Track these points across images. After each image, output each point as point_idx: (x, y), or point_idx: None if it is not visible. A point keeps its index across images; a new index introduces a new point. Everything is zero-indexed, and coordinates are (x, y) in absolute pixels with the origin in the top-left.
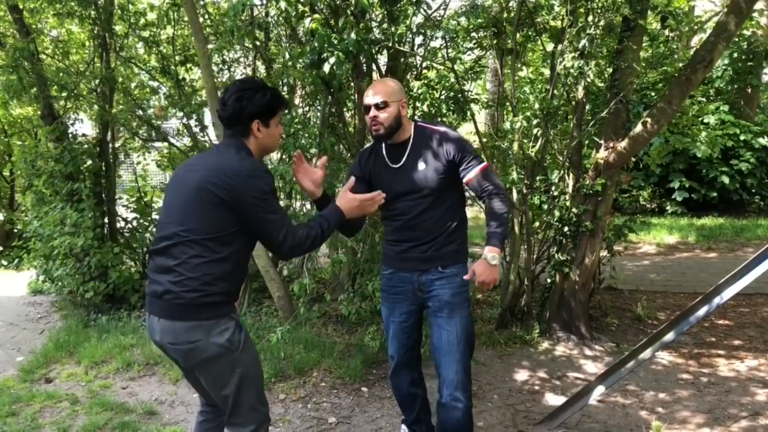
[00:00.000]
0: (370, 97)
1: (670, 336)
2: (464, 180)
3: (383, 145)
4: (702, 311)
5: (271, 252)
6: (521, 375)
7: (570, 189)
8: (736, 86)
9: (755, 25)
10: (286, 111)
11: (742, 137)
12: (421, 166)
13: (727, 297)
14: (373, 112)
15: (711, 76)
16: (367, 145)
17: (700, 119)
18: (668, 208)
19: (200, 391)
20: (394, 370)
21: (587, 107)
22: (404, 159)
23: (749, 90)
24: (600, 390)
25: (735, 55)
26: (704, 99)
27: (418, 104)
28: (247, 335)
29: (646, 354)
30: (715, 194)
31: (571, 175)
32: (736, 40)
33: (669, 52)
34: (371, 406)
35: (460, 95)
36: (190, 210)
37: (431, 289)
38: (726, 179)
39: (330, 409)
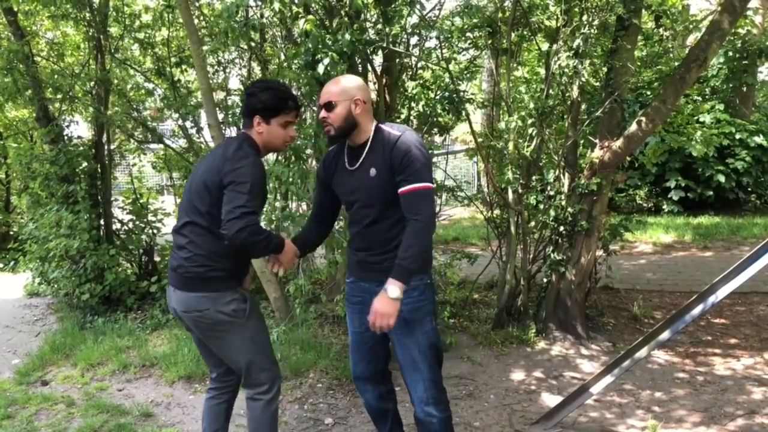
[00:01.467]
0: (321, 97)
1: (665, 335)
2: (398, 192)
3: (346, 146)
4: (697, 310)
5: (222, 228)
6: (518, 375)
7: (565, 188)
8: (731, 85)
9: (750, 23)
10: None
11: (737, 136)
12: (372, 172)
13: (722, 296)
14: (322, 113)
15: (706, 74)
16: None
17: (695, 118)
18: (664, 207)
19: (212, 362)
20: (358, 385)
21: (583, 107)
22: (358, 163)
23: (744, 89)
24: (596, 389)
25: (730, 53)
26: (700, 98)
27: (413, 104)
28: (254, 305)
29: (641, 353)
30: (711, 193)
31: (566, 174)
32: (732, 38)
33: (663, 51)
34: None
35: (455, 95)
36: (197, 195)
37: None
38: (722, 178)
39: (326, 410)
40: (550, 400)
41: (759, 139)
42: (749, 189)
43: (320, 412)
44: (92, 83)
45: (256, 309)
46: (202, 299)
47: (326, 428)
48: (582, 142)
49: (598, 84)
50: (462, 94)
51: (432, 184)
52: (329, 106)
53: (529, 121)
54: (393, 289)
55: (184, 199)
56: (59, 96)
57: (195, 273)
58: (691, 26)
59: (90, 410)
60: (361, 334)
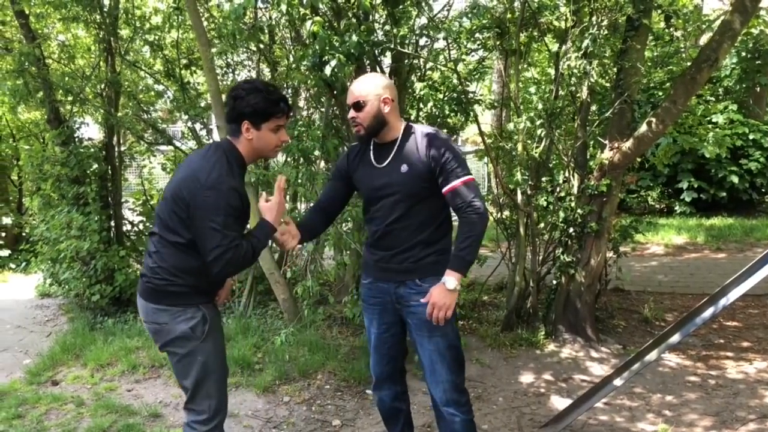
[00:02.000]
0: (348, 97)
1: (675, 338)
2: (442, 191)
3: (372, 143)
4: (708, 313)
5: (207, 265)
6: (527, 377)
7: (575, 190)
8: (744, 85)
9: (763, 23)
10: (291, 118)
11: (751, 136)
12: (404, 168)
13: (734, 298)
14: (351, 112)
15: (719, 75)
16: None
17: (707, 119)
18: (677, 208)
19: None
20: (376, 384)
21: (594, 108)
22: (388, 160)
23: (758, 89)
24: (606, 392)
25: (743, 53)
26: (713, 98)
27: (421, 105)
28: (215, 329)
29: (651, 356)
30: (724, 194)
31: (576, 175)
32: (745, 38)
33: (674, 51)
34: (375, 408)
35: (462, 96)
36: (166, 207)
37: (409, 303)
38: (735, 179)
39: (334, 411)
40: (559, 402)
41: None
42: (763, 190)
43: (328, 413)
44: (102, 85)
45: (216, 332)
46: (161, 312)
47: (334, 430)
48: (592, 143)
49: (608, 85)
50: (471, 95)
51: (471, 175)
52: (358, 106)
53: (538, 122)
54: (451, 280)
55: (157, 206)
56: (70, 98)
57: (156, 285)
58: (703, 26)
59: (99, 410)
60: (380, 335)
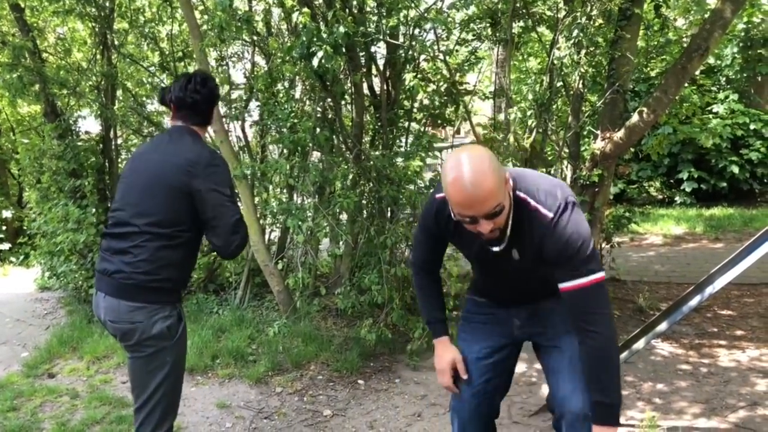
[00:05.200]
0: (473, 204)
1: (663, 326)
2: (559, 288)
3: None
4: (694, 301)
5: (219, 245)
6: (519, 366)
7: (568, 180)
8: (745, 75)
9: (761, 11)
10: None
11: (752, 126)
12: (515, 255)
13: (719, 286)
14: (484, 225)
15: (720, 64)
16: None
17: (708, 109)
18: (677, 198)
19: None
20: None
21: (594, 98)
22: (503, 245)
23: (759, 78)
24: None
25: (742, 44)
26: (714, 88)
27: (414, 96)
28: (185, 329)
29: (639, 345)
30: (724, 184)
31: (568, 165)
32: (747, 26)
33: (665, 42)
34: (367, 398)
35: (452, 88)
36: (148, 197)
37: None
38: (736, 169)
39: (326, 401)
40: None
41: None
42: (765, 180)
43: (319, 404)
44: (99, 78)
45: (185, 334)
46: (138, 310)
47: (324, 420)
48: (585, 133)
49: (605, 74)
50: (463, 86)
51: (602, 272)
52: (495, 214)
53: (529, 113)
54: None
55: (122, 201)
56: (65, 91)
57: (136, 281)
58: (706, 15)
59: (93, 402)
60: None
